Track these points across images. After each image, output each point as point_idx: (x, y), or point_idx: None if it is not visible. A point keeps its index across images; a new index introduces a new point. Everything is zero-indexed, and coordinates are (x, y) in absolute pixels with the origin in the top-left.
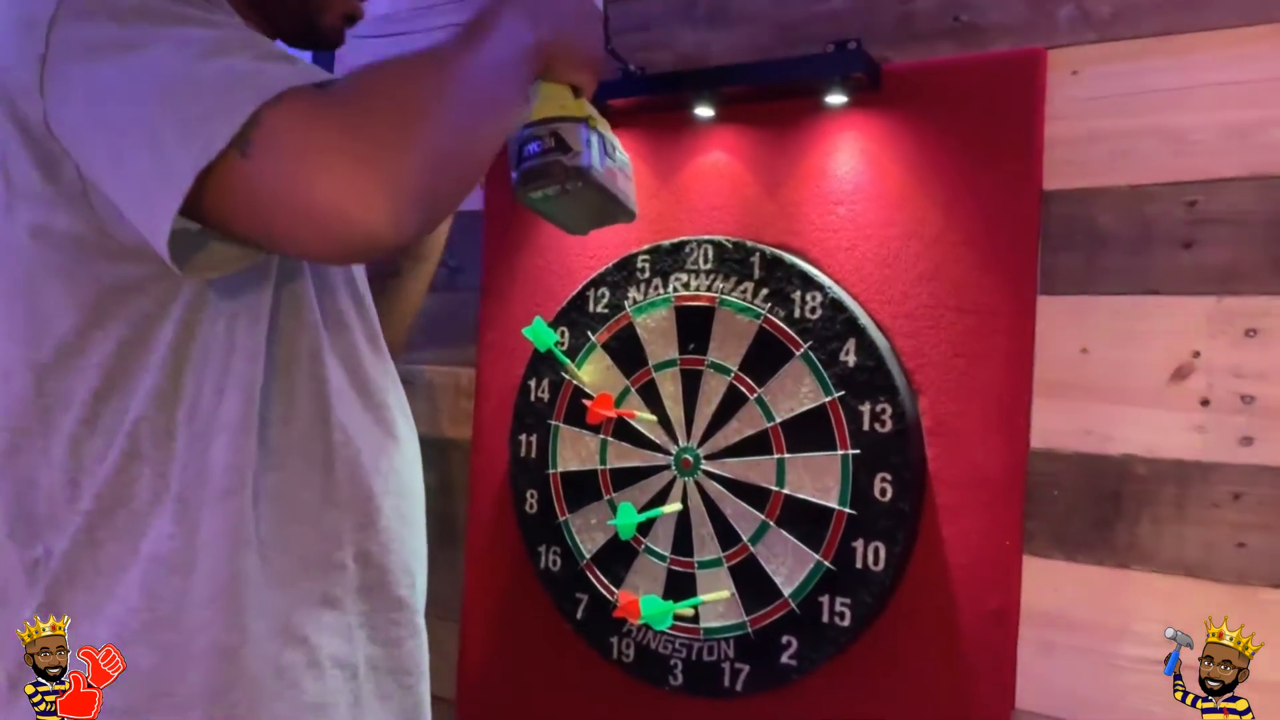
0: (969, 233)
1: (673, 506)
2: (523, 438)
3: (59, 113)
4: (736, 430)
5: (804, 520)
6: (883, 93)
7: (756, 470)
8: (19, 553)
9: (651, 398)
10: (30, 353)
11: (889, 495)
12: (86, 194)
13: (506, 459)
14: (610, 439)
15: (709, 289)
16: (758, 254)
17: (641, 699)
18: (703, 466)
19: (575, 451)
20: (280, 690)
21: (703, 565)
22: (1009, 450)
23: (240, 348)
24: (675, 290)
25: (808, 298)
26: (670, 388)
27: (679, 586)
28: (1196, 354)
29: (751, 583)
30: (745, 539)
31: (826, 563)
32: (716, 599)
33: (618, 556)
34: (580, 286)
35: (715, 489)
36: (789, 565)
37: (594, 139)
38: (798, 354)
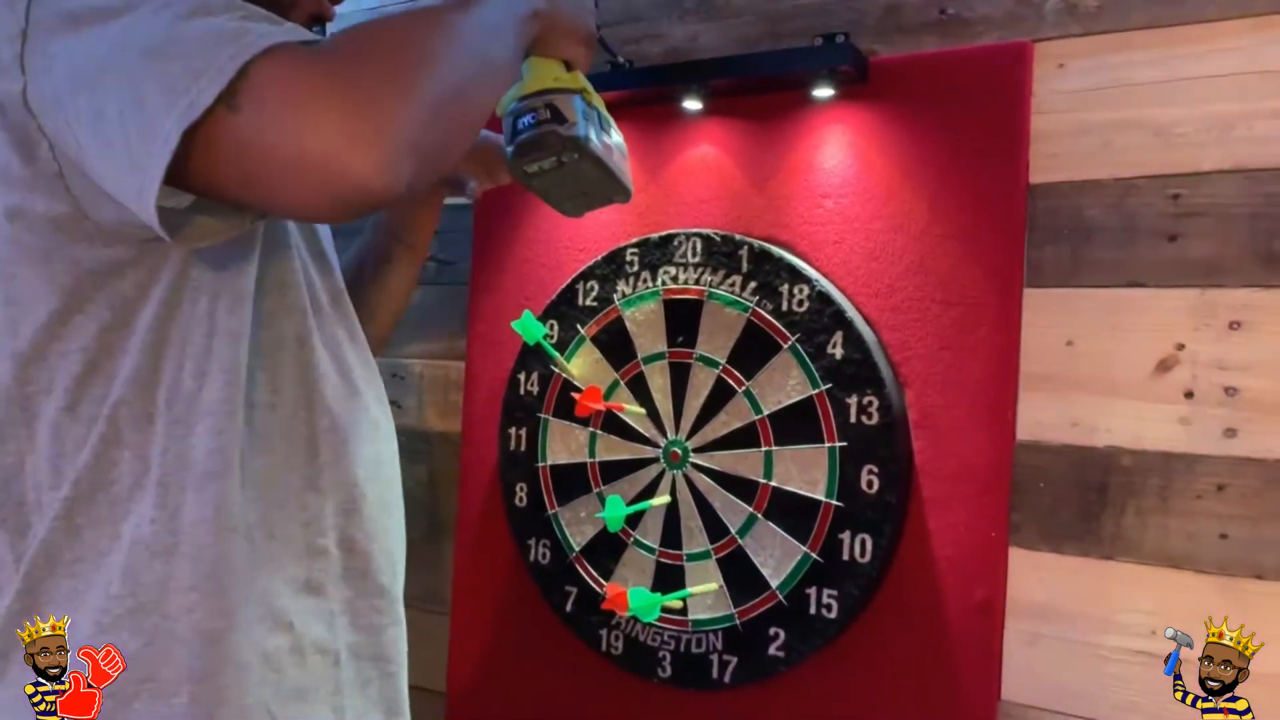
0: (955, 226)
1: (661, 499)
2: (512, 431)
3: (39, 86)
4: (725, 423)
5: (792, 512)
6: (870, 86)
7: (744, 463)
8: (10, 540)
9: (640, 391)
10: (8, 340)
11: (876, 487)
12: (63, 175)
13: (496, 452)
14: (599, 432)
15: (697, 282)
16: (746, 247)
17: (630, 690)
18: (691, 459)
19: (564, 444)
20: (265, 675)
21: (691, 558)
22: (995, 442)
23: (221, 330)
24: (664, 283)
25: (795, 291)
26: (659, 380)
27: (667, 579)
28: (1181, 346)
29: (739, 575)
30: (733, 531)
31: (814, 555)
32: (705, 591)
33: (607, 549)
34: (569, 280)
35: (704, 481)
36: (777, 557)
37: (590, 111)
38: (785, 347)
